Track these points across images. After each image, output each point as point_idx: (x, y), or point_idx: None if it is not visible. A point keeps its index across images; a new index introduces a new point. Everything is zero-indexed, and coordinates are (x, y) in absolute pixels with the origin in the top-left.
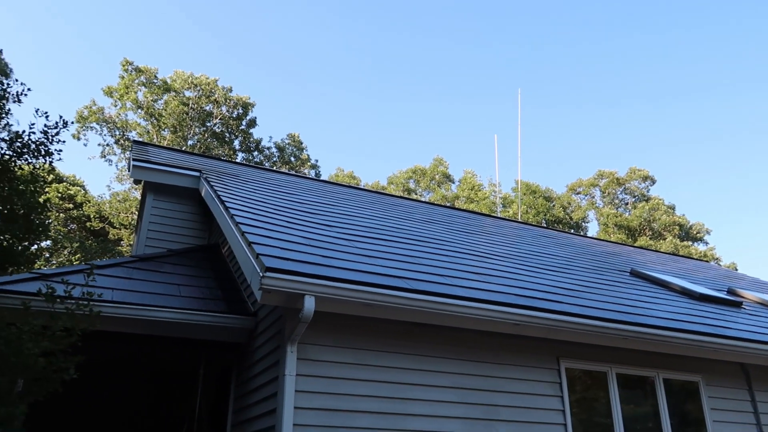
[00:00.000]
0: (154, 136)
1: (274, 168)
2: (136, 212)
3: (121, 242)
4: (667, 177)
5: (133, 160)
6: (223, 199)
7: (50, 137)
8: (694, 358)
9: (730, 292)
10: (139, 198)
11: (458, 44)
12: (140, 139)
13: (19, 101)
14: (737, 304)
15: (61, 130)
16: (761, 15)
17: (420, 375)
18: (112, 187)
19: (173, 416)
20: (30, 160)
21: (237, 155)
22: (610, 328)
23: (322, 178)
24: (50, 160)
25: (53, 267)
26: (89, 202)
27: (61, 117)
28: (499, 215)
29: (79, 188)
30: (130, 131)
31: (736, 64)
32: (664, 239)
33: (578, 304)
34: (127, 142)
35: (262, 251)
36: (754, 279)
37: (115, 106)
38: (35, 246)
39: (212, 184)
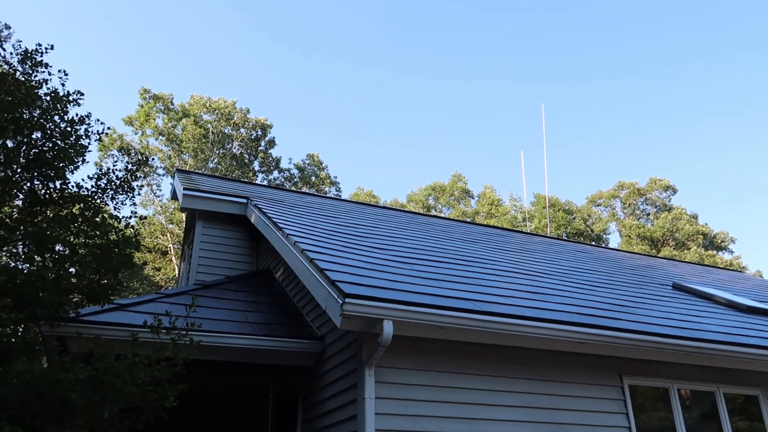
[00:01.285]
0: (176, 161)
1: (299, 189)
2: (161, 237)
3: (145, 266)
4: (689, 186)
5: (184, 189)
6: (280, 225)
7: (131, 174)
8: (753, 372)
9: None
10: (183, 225)
11: (475, 61)
12: (183, 168)
13: (100, 140)
14: None
15: (142, 165)
16: None
17: (490, 395)
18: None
19: None
20: (115, 197)
21: (257, 176)
22: (672, 344)
23: (342, 197)
24: (132, 195)
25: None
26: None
27: (141, 155)
28: (528, 231)
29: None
30: (151, 156)
31: (755, 74)
32: (689, 249)
33: (636, 320)
34: (149, 168)
35: (337, 278)
36: None
37: (136, 133)
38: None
39: (264, 210)
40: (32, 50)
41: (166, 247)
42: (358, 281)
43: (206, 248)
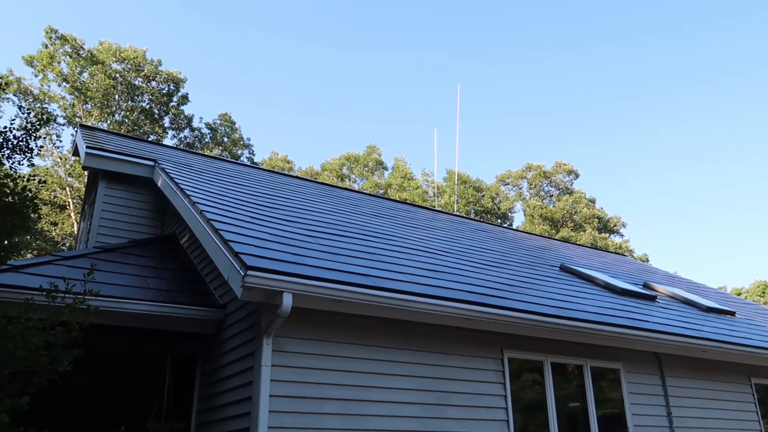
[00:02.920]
0: (78, 111)
1: (210, 150)
2: (60, 190)
3: (40, 219)
4: (590, 171)
5: (87, 147)
6: (187, 192)
7: (31, 134)
8: (616, 348)
9: (646, 286)
10: (85, 181)
11: (393, 34)
12: (87, 123)
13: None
14: (652, 298)
15: (42, 125)
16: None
17: (380, 365)
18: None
19: (143, 402)
20: (11, 155)
21: (167, 133)
22: (547, 322)
23: (255, 159)
24: (30, 155)
25: None
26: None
27: (41, 113)
28: (437, 207)
29: None
30: (50, 104)
31: (657, 57)
32: (584, 231)
33: (519, 299)
34: (48, 116)
35: (240, 249)
36: (665, 273)
37: (36, 76)
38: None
39: (171, 174)
40: None
41: (65, 201)
42: (262, 254)
43: (109, 209)
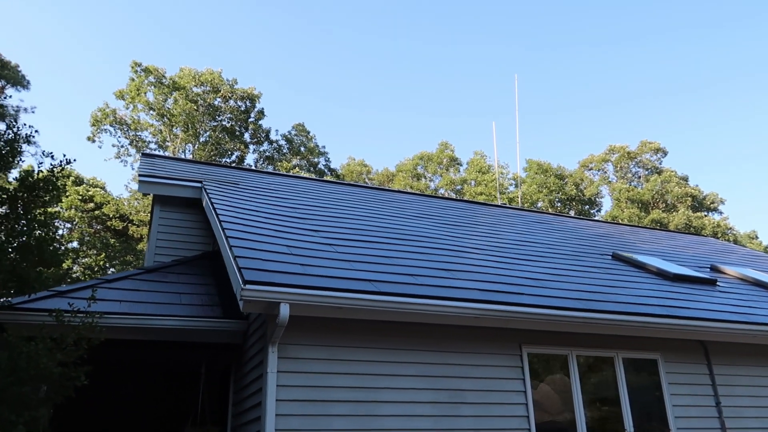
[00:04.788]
0: (167, 135)
1: (288, 162)
2: (145, 214)
3: (143, 239)
4: (680, 148)
5: (139, 175)
6: (218, 211)
7: (56, 175)
8: (652, 338)
9: (713, 269)
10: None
11: (459, 34)
12: (149, 151)
13: (29, 143)
14: (712, 282)
15: (65, 166)
16: None
17: (390, 366)
18: (130, 186)
19: (180, 411)
20: (41, 195)
21: (249, 148)
22: (566, 316)
23: (332, 166)
24: (58, 193)
25: (81, 266)
26: (108, 202)
27: (65, 156)
28: (499, 203)
29: (98, 189)
30: (143, 131)
31: (747, 41)
32: (677, 211)
33: (540, 294)
34: (141, 143)
35: (243, 264)
36: (751, 252)
37: (127, 108)
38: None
39: (210, 195)
40: None
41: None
42: (265, 267)
43: (164, 231)
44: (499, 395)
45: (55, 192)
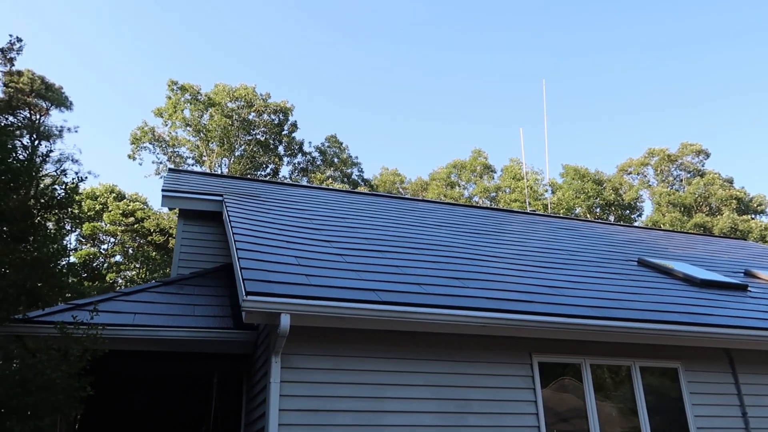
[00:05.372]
0: (204, 151)
1: (322, 174)
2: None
3: None
4: (724, 149)
5: (163, 190)
6: (232, 223)
7: (69, 193)
8: (672, 347)
9: (747, 273)
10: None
11: (491, 43)
12: (174, 167)
13: (44, 161)
14: (742, 288)
15: (78, 184)
16: None
17: (395, 375)
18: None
19: (194, 420)
20: (55, 213)
21: (283, 161)
22: (578, 324)
23: (365, 176)
24: (71, 210)
25: (124, 279)
26: (149, 217)
27: (76, 173)
28: (528, 209)
29: (139, 204)
30: (180, 147)
31: None
32: (721, 214)
33: (553, 302)
34: (179, 159)
35: (247, 276)
36: None
37: (165, 125)
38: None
39: (228, 208)
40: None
41: None
42: (270, 278)
43: (186, 243)
44: (508, 405)
45: (69, 208)
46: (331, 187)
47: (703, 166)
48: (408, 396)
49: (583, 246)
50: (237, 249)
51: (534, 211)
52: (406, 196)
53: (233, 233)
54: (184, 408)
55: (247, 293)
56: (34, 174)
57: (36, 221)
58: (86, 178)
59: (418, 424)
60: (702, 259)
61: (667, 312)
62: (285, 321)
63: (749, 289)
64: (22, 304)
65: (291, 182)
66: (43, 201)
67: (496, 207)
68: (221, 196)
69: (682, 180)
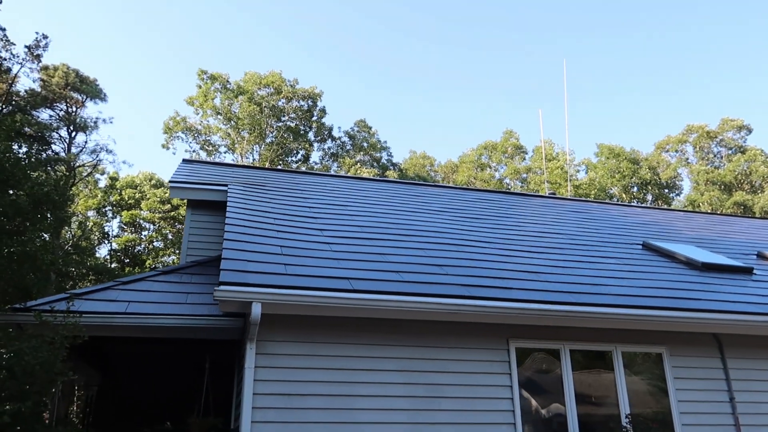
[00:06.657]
0: (235, 138)
1: (352, 159)
2: None
3: None
4: (766, 124)
5: (170, 181)
6: (228, 214)
7: (59, 192)
8: (657, 332)
9: (759, 256)
10: None
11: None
12: (189, 158)
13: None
14: (747, 270)
15: (70, 182)
16: None
17: (367, 361)
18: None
19: (186, 402)
20: (46, 209)
21: (313, 146)
22: (554, 310)
23: (394, 160)
24: (62, 208)
25: (163, 264)
26: (185, 204)
27: (66, 174)
28: (539, 193)
29: None
30: (212, 135)
31: None
32: (763, 192)
33: (532, 288)
34: (211, 147)
35: (225, 266)
36: None
37: (197, 114)
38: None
39: (229, 198)
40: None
41: None
42: (247, 267)
43: (194, 233)
44: (483, 389)
45: (61, 203)
46: (341, 174)
47: (744, 142)
48: (379, 381)
49: (587, 230)
50: (225, 239)
51: (553, 193)
52: (416, 182)
53: (226, 222)
54: (180, 390)
55: (220, 283)
56: (28, 172)
57: (28, 218)
58: (77, 176)
59: (389, 408)
60: (714, 241)
61: (654, 297)
62: (256, 309)
63: (755, 272)
64: (8, 295)
65: (301, 171)
66: (35, 197)
67: (507, 191)
68: (226, 185)
69: (722, 157)
